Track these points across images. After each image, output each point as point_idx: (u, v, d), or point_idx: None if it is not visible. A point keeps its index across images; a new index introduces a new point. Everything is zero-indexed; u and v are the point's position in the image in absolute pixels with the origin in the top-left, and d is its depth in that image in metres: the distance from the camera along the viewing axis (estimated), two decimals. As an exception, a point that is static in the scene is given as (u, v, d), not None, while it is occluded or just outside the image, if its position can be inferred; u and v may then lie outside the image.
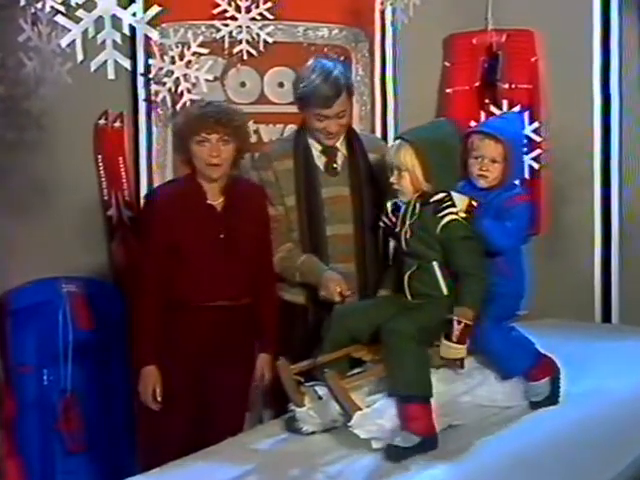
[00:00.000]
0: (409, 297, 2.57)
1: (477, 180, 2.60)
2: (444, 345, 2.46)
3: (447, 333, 2.45)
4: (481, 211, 2.54)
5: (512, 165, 2.59)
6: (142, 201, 3.55)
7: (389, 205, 2.64)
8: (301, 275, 3.02)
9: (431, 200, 2.53)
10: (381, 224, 2.67)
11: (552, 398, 2.65)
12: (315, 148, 3.08)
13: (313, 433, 2.55)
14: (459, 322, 2.44)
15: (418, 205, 2.56)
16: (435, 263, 2.53)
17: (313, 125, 3.03)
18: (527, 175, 3.78)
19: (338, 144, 3.09)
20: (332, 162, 3.07)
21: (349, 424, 2.41)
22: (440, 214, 2.51)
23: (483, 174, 2.59)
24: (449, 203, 2.51)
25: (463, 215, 2.52)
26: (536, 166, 3.81)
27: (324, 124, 3.01)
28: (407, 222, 2.58)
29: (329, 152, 3.08)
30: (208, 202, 2.95)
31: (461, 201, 2.53)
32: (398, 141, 2.60)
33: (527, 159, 3.76)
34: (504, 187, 2.60)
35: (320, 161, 3.08)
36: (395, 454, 2.37)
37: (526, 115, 3.76)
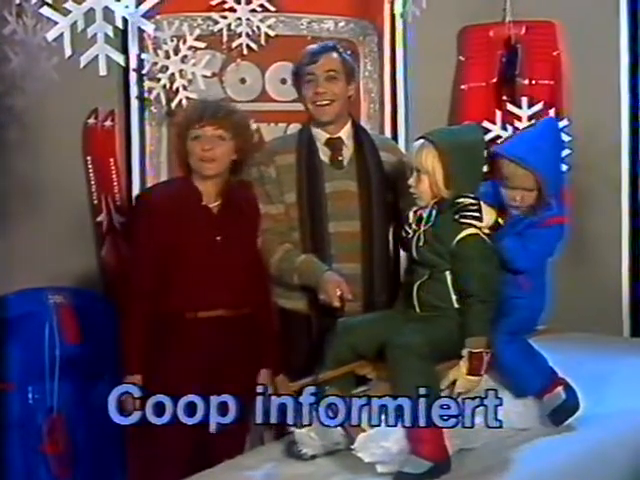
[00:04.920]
0: (417, 309, 2.57)
1: (510, 209, 2.56)
2: (466, 380, 2.46)
3: (468, 368, 2.46)
4: (506, 226, 2.54)
5: (549, 190, 2.53)
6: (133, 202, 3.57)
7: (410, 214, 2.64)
8: (299, 277, 3.00)
9: (457, 201, 2.52)
10: (403, 234, 2.65)
11: (571, 402, 2.61)
12: (319, 140, 3.08)
13: (314, 457, 2.54)
14: (477, 353, 2.45)
15: (434, 212, 2.57)
16: (448, 273, 2.54)
17: (306, 94, 3.04)
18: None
19: (344, 137, 3.09)
20: (337, 154, 3.08)
21: (352, 447, 2.40)
22: (462, 220, 2.51)
23: (518, 205, 2.55)
24: (477, 214, 2.52)
25: (486, 231, 2.52)
26: (564, 168, 3.80)
27: (312, 87, 3.01)
28: (420, 229, 2.58)
29: (334, 144, 3.08)
30: (203, 203, 2.96)
31: (489, 216, 2.53)
32: (421, 141, 2.60)
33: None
34: (539, 214, 2.57)
35: (325, 154, 3.08)
36: None
37: (551, 113, 3.76)
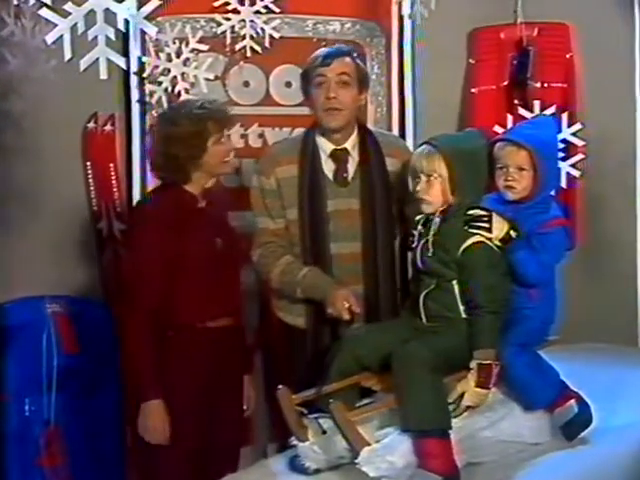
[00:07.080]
0: (424, 319, 2.58)
1: (505, 192, 2.60)
2: (474, 393, 2.47)
3: (477, 380, 2.46)
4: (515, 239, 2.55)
5: (544, 174, 2.57)
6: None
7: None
8: (303, 291, 2.97)
9: (468, 213, 2.54)
10: (409, 242, 2.67)
11: (584, 415, 2.62)
12: (324, 151, 3.05)
13: (318, 471, 2.54)
14: (485, 365, 2.46)
15: (438, 220, 2.58)
16: (455, 282, 2.55)
17: (316, 99, 3.00)
18: (564, 183, 3.78)
19: (349, 147, 3.06)
20: (342, 170, 3.05)
21: (356, 461, 2.40)
22: (470, 229, 2.52)
23: (510, 185, 2.59)
24: (486, 225, 2.52)
25: (497, 243, 2.53)
26: (576, 173, 3.81)
27: (323, 91, 2.98)
28: (424, 238, 2.59)
29: (339, 156, 3.05)
30: (199, 206, 2.96)
31: (500, 228, 2.53)
32: (427, 147, 2.61)
33: (565, 165, 3.77)
34: (537, 200, 2.60)
35: (328, 168, 3.05)
36: None
37: (564, 117, 3.76)
